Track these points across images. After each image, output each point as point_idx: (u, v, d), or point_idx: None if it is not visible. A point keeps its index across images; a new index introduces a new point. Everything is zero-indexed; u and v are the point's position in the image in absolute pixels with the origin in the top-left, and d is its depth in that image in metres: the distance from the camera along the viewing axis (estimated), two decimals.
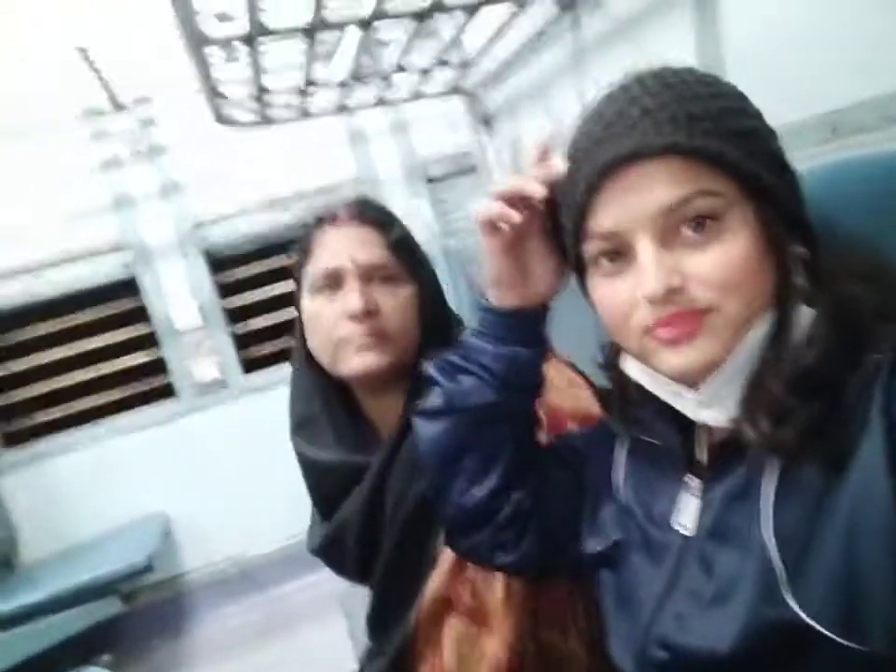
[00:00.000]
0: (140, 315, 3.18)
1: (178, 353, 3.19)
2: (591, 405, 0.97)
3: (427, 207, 3.24)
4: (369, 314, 0.94)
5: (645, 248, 0.62)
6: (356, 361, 0.95)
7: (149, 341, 3.20)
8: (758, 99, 0.66)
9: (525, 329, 0.80)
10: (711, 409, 0.65)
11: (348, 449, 1.01)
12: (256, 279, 3.27)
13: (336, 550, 1.04)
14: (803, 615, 0.56)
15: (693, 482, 0.70)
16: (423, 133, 3.26)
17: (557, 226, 0.73)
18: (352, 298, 0.94)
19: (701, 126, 0.60)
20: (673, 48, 1.07)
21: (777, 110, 0.68)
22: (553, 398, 0.94)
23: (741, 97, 0.65)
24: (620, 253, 0.65)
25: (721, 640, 0.61)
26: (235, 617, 3.06)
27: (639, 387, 0.73)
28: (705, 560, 0.66)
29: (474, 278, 2.26)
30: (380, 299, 0.96)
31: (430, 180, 3.37)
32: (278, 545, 3.17)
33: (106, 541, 2.98)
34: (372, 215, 1.00)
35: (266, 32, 1.09)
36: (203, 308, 3.20)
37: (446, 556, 0.94)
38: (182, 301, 3.17)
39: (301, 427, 1.05)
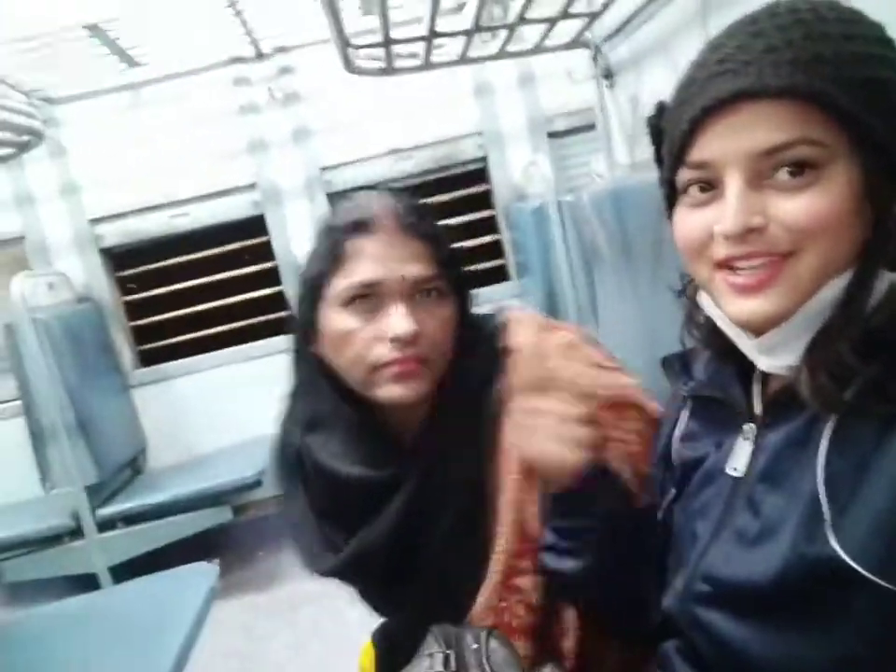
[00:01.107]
0: (266, 251, 3.39)
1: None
2: (622, 385, 0.91)
3: (547, 162, 3.25)
4: (415, 338, 0.85)
5: (733, 184, 0.61)
6: (396, 391, 0.86)
7: (273, 276, 3.40)
8: None
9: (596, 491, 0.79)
10: (771, 357, 0.65)
11: (371, 462, 0.91)
12: None
13: (356, 573, 0.95)
14: (844, 556, 0.57)
15: (749, 427, 0.71)
16: (547, 87, 3.26)
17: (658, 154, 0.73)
18: (399, 320, 0.84)
19: (824, 70, 0.57)
20: None
21: None
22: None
23: (882, 42, 0.61)
24: (711, 184, 0.64)
25: (763, 575, 0.62)
26: None
27: (707, 323, 0.74)
28: (753, 501, 0.67)
29: (586, 235, 2.28)
30: (423, 318, 0.86)
31: (551, 135, 3.37)
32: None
33: (223, 456, 3.23)
34: (422, 226, 0.89)
35: None
36: None
37: (494, 566, 0.87)
38: (306, 241, 3.33)
39: (313, 428, 0.95)
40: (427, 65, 1.82)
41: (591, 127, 3.05)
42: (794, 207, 0.59)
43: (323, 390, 0.93)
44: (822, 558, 0.58)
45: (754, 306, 0.62)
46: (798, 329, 0.62)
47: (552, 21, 1.62)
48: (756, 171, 0.60)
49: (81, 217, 3.31)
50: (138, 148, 3.24)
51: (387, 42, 1.53)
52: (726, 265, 0.63)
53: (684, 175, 0.65)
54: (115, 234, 3.36)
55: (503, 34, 1.75)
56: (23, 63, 2.83)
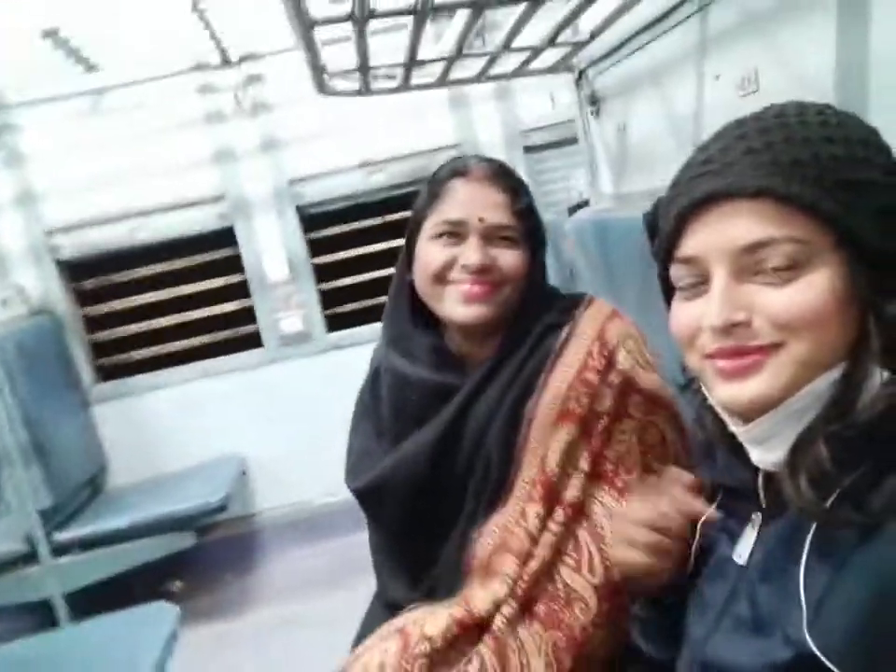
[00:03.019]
0: (234, 264, 3.28)
1: (267, 304, 3.28)
2: (663, 390, 1.00)
3: (525, 177, 3.20)
4: (483, 270, 0.99)
5: (718, 279, 0.63)
6: (460, 311, 1.01)
7: (241, 290, 3.30)
8: None
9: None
10: (761, 449, 0.66)
11: (440, 369, 1.05)
12: (346, 238, 3.31)
13: (389, 488, 1.04)
14: (822, 656, 0.57)
15: (756, 516, 0.72)
16: (525, 101, 3.20)
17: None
18: (472, 253, 0.99)
19: (802, 172, 0.59)
20: (809, 50, 0.99)
21: None
22: (630, 368, 0.98)
23: (867, 144, 0.62)
24: (700, 278, 0.66)
25: (757, 666, 0.63)
26: (302, 560, 3.16)
27: (714, 415, 0.74)
28: (751, 591, 0.68)
29: (563, 251, 2.23)
30: (496, 255, 1.01)
31: (528, 149, 3.31)
32: (349, 496, 3.26)
33: (187, 477, 3.13)
34: (505, 179, 1.04)
35: (373, 14, 1.08)
36: (293, 263, 3.27)
37: (518, 491, 0.96)
38: (274, 255, 3.25)
39: (396, 342, 1.10)
40: (405, 87, 1.75)
41: (569, 142, 3.02)
42: (778, 300, 0.60)
43: (404, 314, 1.09)
44: (804, 655, 0.58)
45: (738, 390, 0.63)
46: (784, 421, 0.63)
47: (536, 51, 1.55)
48: (740, 266, 0.62)
49: (38, 228, 3.17)
50: (98, 156, 3.10)
51: (364, 69, 1.45)
52: (715, 356, 0.65)
53: (675, 270, 0.68)
54: (73, 245, 3.22)
55: (484, 58, 1.68)
56: None
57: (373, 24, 1.22)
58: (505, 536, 0.97)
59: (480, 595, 0.96)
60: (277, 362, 3.32)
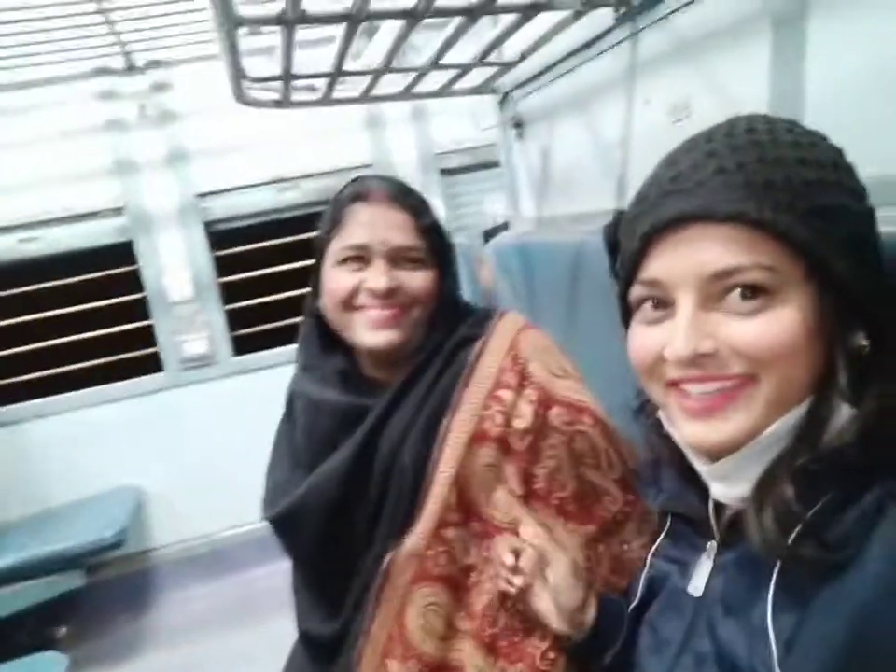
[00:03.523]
0: (132, 282, 3.09)
1: (168, 325, 3.11)
2: (581, 396, 0.99)
3: (439, 200, 3.18)
4: (390, 293, 0.98)
5: (684, 306, 0.60)
6: (369, 337, 0.99)
7: (140, 309, 3.11)
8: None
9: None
10: (724, 484, 0.65)
11: (351, 392, 1.03)
12: (256, 257, 3.19)
13: (304, 513, 1.01)
14: None
15: (711, 545, 0.70)
16: (440, 123, 3.19)
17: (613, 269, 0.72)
18: (377, 277, 0.97)
19: (775, 196, 0.56)
20: (743, 79, 0.99)
21: (860, 162, 0.61)
22: (545, 379, 0.97)
23: (838, 168, 0.60)
24: (663, 302, 0.63)
25: None
26: (203, 599, 3.00)
27: (668, 441, 0.71)
28: (711, 624, 0.65)
29: (478, 275, 2.20)
30: (403, 277, 0.99)
31: (445, 172, 3.29)
32: (253, 526, 3.11)
33: (77, 511, 2.90)
34: (407, 199, 1.02)
35: (306, 18, 1.02)
36: (198, 281, 3.11)
37: (430, 513, 0.93)
38: (177, 273, 3.09)
39: (308, 369, 1.08)
40: (327, 101, 1.68)
41: (486, 165, 3.03)
42: (745, 332, 0.58)
43: (315, 341, 1.08)
44: None
45: (706, 431, 0.61)
46: (750, 460, 0.61)
47: (465, 69, 1.52)
48: (707, 293, 0.59)
49: None
50: None
51: (287, 77, 1.38)
52: (678, 386, 0.63)
53: (637, 291, 0.65)
54: None
55: (410, 74, 1.64)
56: None
57: (299, 35, 1.17)
58: (422, 562, 0.94)
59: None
60: (179, 387, 3.14)
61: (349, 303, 0.99)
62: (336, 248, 1.00)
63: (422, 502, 0.94)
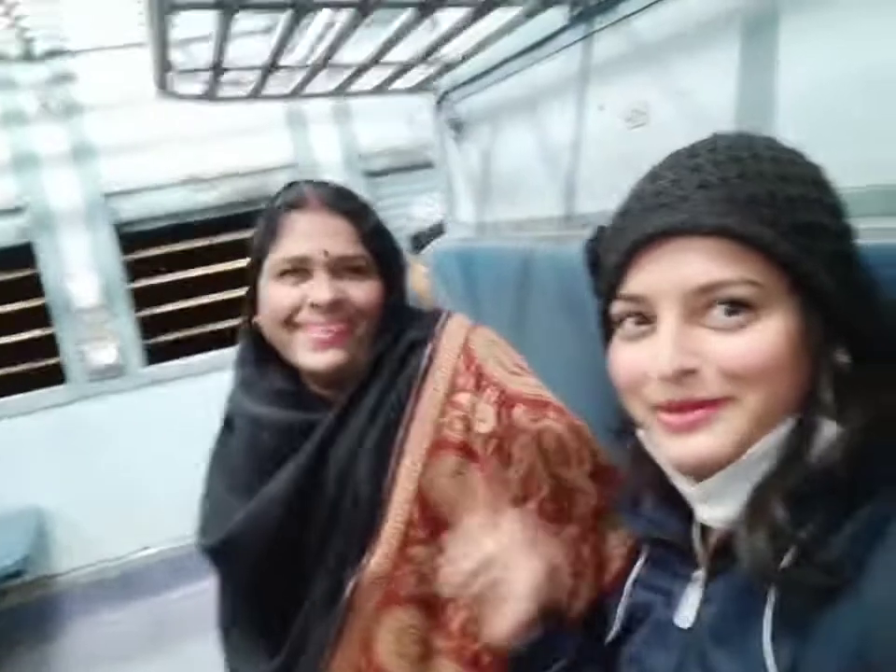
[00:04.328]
0: (33, 287, 2.87)
1: (73, 333, 2.90)
2: (541, 391, 0.93)
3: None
4: (335, 306, 0.91)
5: (667, 322, 0.59)
6: (311, 359, 0.92)
7: (41, 316, 2.89)
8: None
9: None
10: (710, 505, 0.63)
11: (296, 408, 0.95)
12: (169, 260, 3.02)
13: (243, 541, 0.92)
14: None
15: (697, 573, 0.67)
16: (366, 123, 3.11)
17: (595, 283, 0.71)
18: (319, 289, 0.90)
19: (759, 211, 0.56)
20: (707, 86, 0.97)
21: (834, 175, 0.61)
22: (503, 378, 0.92)
23: (818, 185, 0.60)
24: (646, 318, 0.62)
25: None
26: (113, 625, 2.81)
27: (650, 462, 0.68)
28: (703, 658, 0.62)
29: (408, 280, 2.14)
30: (347, 289, 0.93)
31: (370, 173, 3.21)
32: (166, 547, 2.95)
33: None
34: (346, 204, 0.95)
35: (246, 4, 0.93)
36: (107, 287, 2.92)
37: (392, 532, 0.86)
38: (83, 277, 2.88)
39: (247, 386, 1.00)
40: (257, 96, 1.58)
41: (412, 168, 2.96)
42: (729, 348, 0.57)
43: (251, 360, 1.00)
44: None
45: (687, 447, 0.60)
46: (735, 479, 0.60)
47: (406, 67, 1.46)
48: (691, 308, 0.59)
49: None
50: None
51: (218, 69, 1.27)
52: (663, 408, 0.61)
53: (619, 307, 0.64)
54: None
55: (345, 71, 1.56)
56: None
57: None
58: (389, 585, 0.86)
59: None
60: (85, 400, 2.93)
61: (290, 321, 0.92)
62: (273, 261, 0.93)
63: (381, 521, 0.87)
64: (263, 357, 0.99)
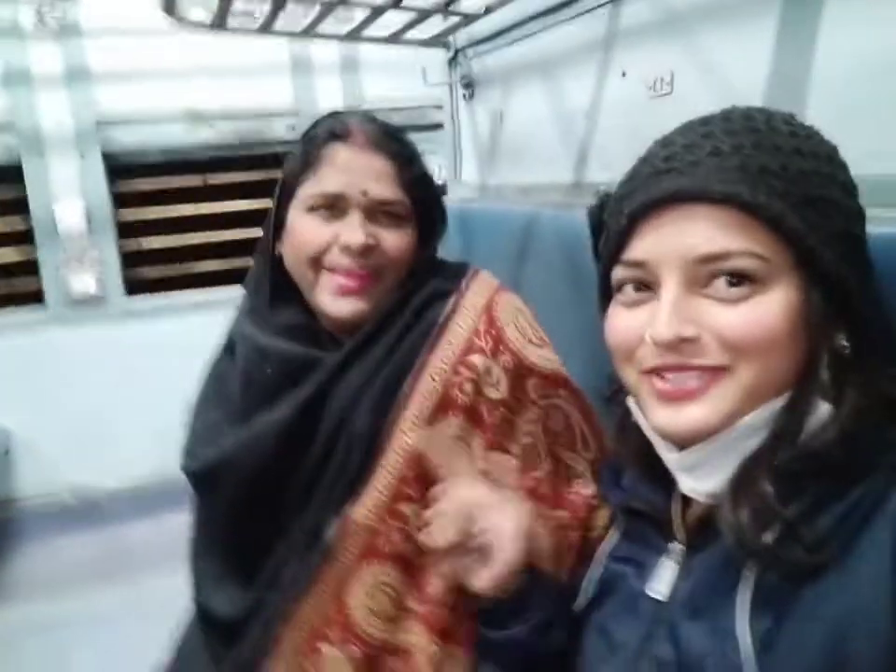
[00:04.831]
0: (18, 207, 2.80)
1: (55, 258, 2.83)
2: (559, 367, 0.92)
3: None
4: (366, 251, 0.88)
5: (669, 288, 0.59)
6: (333, 305, 0.89)
7: (24, 238, 2.82)
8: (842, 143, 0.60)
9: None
10: (693, 477, 0.63)
11: (302, 342, 0.93)
12: (159, 195, 2.96)
13: (230, 470, 0.90)
14: None
15: (675, 547, 0.67)
16: (372, 77, 3.06)
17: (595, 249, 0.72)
18: (353, 232, 0.87)
19: (770, 182, 0.56)
20: (737, 58, 0.96)
21: (867, 163, 0.62)
22: (522, 346, 0.89)
23: (832, 162, 0.60)
24: (646, 285, 0.62)
25: None
26: (68, 551, 2.76)
27: (638, 434, 0.69)
28: (674, 630, 0.63)
29: None
30: (381, 235, 0.89)
31: None
32: (130, 481, 2.92)
33: None
34: (393, 145, 0.91)
35: None
36: (93, 214, 2.85)
37: (384, 485, 0.84)
38: (69, 203, 2.81)
39: (255, 312, 0.97)
40: (266, 30, 1.54)
41: (417, 128, 2.92)
42: (729, 319, 0.57)
43: (266, 288, 0.96)
44: None
45: (677, 416, 0.60)
46: (722, 451, 0.60)
47: (424, 14, 1.43)
48: (693, 277, 0.58)
49: None
50: None
51: None
52: (655, 372, 0.61)
53: (620, 272, 0.64)
54: None
55: (358, 15, 1.53)
56: None
57: None
58: (372, 538, 0.84)
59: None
60: (61, 325, 2.87)
61: (317, 260, 0.89)
62: (307, 193, 0.89)
63: (373, 472, 0.85)
64: (277, 287, 0.96)
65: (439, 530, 0.78)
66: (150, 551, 2.63)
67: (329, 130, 0.91)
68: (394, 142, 0.92)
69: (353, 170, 0.88)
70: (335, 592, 0.84)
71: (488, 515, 0.77)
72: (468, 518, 0.77)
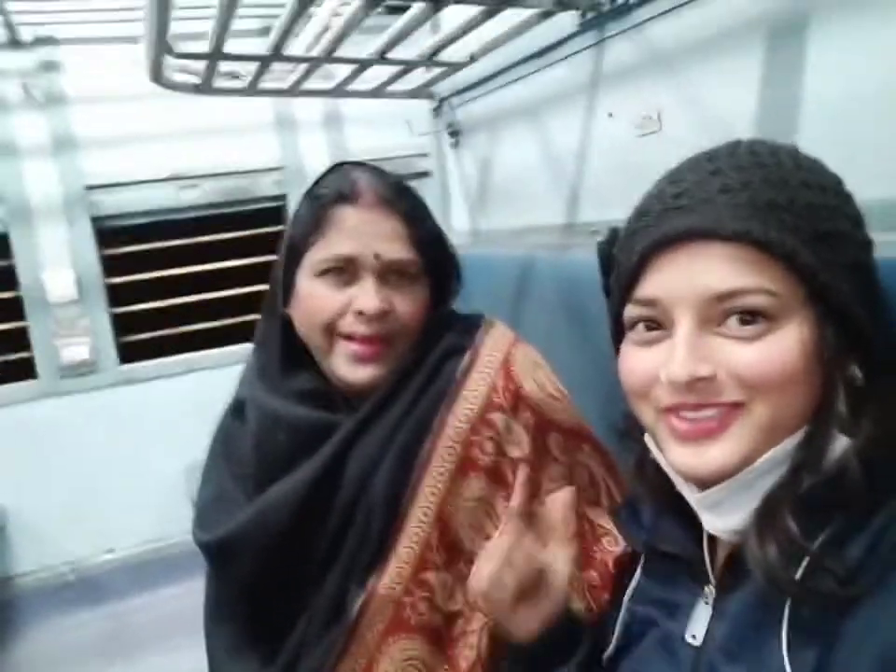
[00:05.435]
0: (6, 278, 2.77)
1: (45, 327, 2.80)
2: (580, 420, 0.90)
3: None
4: (381, 315, 0.86)
5: (683, 327, 0.59)
6: (349, 372, 0.88)
7: (13, 309, 2.79)
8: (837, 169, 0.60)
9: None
10: (716, 515, 0.62)
11: (315, 406, 0.90)
12: (148, 258, 2.95)
13: (246, 544, 0.85)
14: None
15: (706, 589, 0.66)
16: (356, 130, 3.07)
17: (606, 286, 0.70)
18: (367, 297, 0.85)
19: (780, 217, 0.56)
20: (726, 94, 0.96)
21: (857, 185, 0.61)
22: (542, 402, 0.87)
23: (839, 194, 0.60)
24: (659, 323, 0.62)
25: None
26: (70, 630, 2.69)
27: (655, 468, 0.68)
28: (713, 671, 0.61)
29: None
30: (394, 298, 0.88)
31: None
32: (131, 552, 2.85)
33: None
34: (403, 203, 0.90)
35: None
36: (83, 281, 2.83)
37: (407, 554, 0.81)
38: (59, 271, 2.79)
39: (264, 376, 0.94)
40: (252, 90, 1.55)
41: (405, 178, 2.94)
42: (745, 357, 0.57)
43: (277, 351, 0.93)
44: None
45: (697, 456, 0.59)
46: (743, 488, 0.59)
47: (410, 66, 1.44)
48: (707, 315, 0.58)
49: None
50: None
51: (217, 56, 1.24)
52: (672, 411, 0.61)
53: (631, 310, 0.64)
54: None
55: (343, 71, 1.54)
56: None
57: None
58: (398, 610, 0.80)
59: None
60: (54, 396, 2.83)
61: (332, 327, 0.87)
62: (317, 257, 0.87)
63: (396, 539, 0.81)
64: (289, 349, 0.93)
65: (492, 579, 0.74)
66: (149, 627, 2.56)
67: (337, 190, 0.88)
68: (404, 199, 0.90)
69: (364, 233, 0.86)
70: (363, 670, 0.80)
71: (542, 558, 0.76)
72: (523, 560, 0.75)
